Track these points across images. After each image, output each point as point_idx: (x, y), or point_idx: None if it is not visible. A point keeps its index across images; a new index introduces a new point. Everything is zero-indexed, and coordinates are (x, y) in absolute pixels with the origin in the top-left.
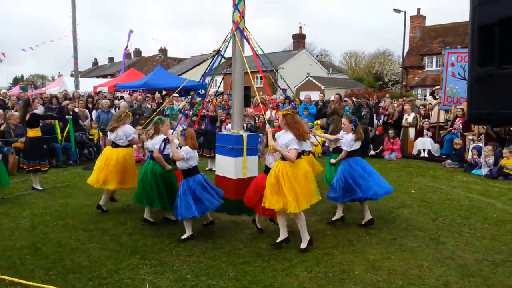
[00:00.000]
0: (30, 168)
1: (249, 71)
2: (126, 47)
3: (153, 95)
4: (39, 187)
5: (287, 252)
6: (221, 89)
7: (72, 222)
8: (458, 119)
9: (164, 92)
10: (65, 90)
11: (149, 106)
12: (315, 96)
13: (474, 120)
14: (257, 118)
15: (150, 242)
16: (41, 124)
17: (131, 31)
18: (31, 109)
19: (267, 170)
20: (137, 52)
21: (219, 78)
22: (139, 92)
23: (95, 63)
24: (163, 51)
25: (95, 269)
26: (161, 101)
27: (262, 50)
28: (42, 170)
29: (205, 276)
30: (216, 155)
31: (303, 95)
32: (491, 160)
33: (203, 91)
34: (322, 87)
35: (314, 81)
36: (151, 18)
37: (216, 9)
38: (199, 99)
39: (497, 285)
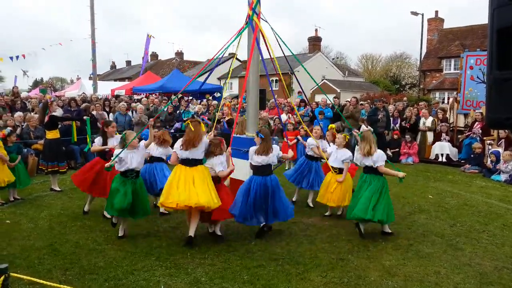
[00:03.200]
0: (48, 169)
1: (276, 71)
2: (146, 52)
3: (169, 98)
4: (57, 188)
5: (302, 256)
6: (237, 92)
7: (89, 223)
8: (477, 123)
9: (180, 95)
10: (83, 93)
11: (166, 109)
12: (331, 99)
13: (492, 124)
14: (272, 121)
15: (165, 244)
16: (59, 126)
17: (150, 37)
18: (49, 111)
19: None
20: (154, 56)
21: (234, 81)
22: (156, 95)
23: (113, 66)
24: (179, 54)
25: (111, 270)
26: (177, 103)
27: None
28: (60, 171)
29: (219, 279)
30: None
31: (318, 98)
32: (510, 166)
33: (218, 94)
34: (338, 90)
35: (330, 84)
36: (168, 21)
37: (233, 12)
38: (215, 102)
39: None
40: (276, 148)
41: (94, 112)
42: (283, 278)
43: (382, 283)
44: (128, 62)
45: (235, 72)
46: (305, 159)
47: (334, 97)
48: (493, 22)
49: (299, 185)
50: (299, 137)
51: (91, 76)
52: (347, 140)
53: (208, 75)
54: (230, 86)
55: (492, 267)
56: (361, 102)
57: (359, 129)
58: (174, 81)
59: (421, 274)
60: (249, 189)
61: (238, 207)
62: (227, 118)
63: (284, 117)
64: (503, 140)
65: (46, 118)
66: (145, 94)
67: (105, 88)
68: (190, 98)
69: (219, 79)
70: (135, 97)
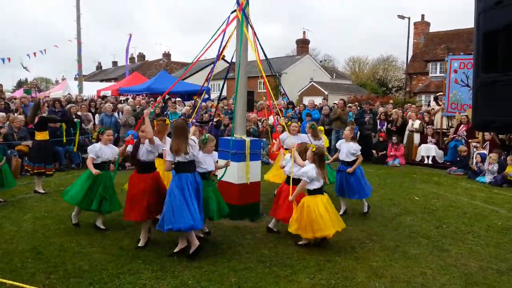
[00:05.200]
0: (34, 171)
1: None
2: (127, 50)
3: (156, 99)
4: (41, 190)
5: (289, 258)
6: (225, 93)
7: (73, 226)
8: (462, 125)
9: (167, 97)
10: (69, 93)
11: (153, 110)
12: (318, 101)
13: (478, 126)
14: (260, 123)
15: (152, 247)
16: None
17: (131, 35)
18: (41, 112)
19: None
20: (141, 56)
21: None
22: (142, 96)
23: (99, 66)
24: (166, 55)
25: (96, 274)
26: (163, 105)
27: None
28: (47, 173)
29: (206, 282)
30: (219, 159)
31: (306, 100)
32: (495, 167)
33: (206, 96)
34: (326, 93)
35: (318, 86)
36: (156, 22)
37: (221, 13)
38: (202, 103)
39: None
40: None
41: (79, 113)
42: (270, 280)
43: (369, 284)
44: (115, 63)
45: (223, 73)
46: None
47: (323, 99)
48: (479, 26)
49: None
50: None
51: (77, 76)
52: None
53: (212, 76)
54: (218, 87)
55: (477, 267)
56: (348, 105)
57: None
58: (161, 82)
59: (408, 275)
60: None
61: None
62: (215, 120)
63: (272, 119)
64: (488, 142)
65: (36, 119)
66: (131, 95)
67: (91, 89)
68: (178, 99)
69: (207, 80)
70: (121, 98)
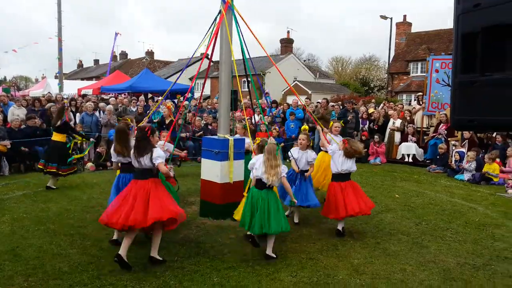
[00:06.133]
0: (47, 169)
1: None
2: (113, 50)
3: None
4: (52, 186)
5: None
6: (208, 92)
7: (53, 227)
8: (442, 124)
9: (149, 95)
10: (49, 92)
11: (135, 110)
12: (302, 100)
13: (456, 126)
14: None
15: (133, 247)
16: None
17: (117, 34)
18: (66, 116)
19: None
20: (123, 55)
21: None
22: (125, 95)
23: (80, 65)
24: (150, 53)
25: (76, 275)
26: (145, 103)
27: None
28: (60, 173)
29: (188, 282)
30: (202, 159)
31: (290, 100)
32: (474, 165)
33: (189, 95)
34: (309, 92)
35: (301, 85)
36: (139, 20)
37: (207, 10)
38: (186, 102)
39: None
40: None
41: None
42: (253, 279)
43: (350, 281)
44: (96, 61)
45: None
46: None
47: (306, 98)
48: (458, 27)
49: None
50: (271, 137)
51: (57, 75)
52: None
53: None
54: (201, 86)
55: (455, 263)
56: (331, 104)
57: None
58: (144, 81)
59: (388, 272)
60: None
61: None
62: (167, 121)
63: (256, 118)
64: (467, 140)
65: (59, 123)
66: (113, 94)
67: (72, 88)
68: (160, 98)
69: (190, 79)
70: (103, 97)
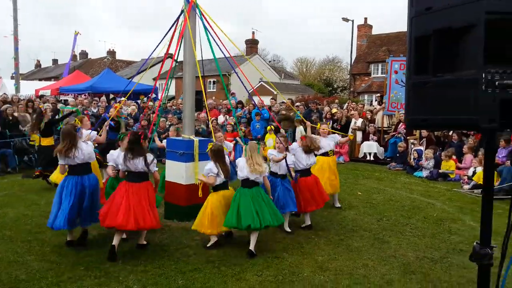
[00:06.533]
0: (47, 173)
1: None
2: (73, 50)
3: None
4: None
5: (238, 257)
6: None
7: (9, 233)
8: (401, 124)
9: (111, 96)
10: (4, 93)
11: (96, 111)
12: (267, 101)
13: (411, 125)
14: (209, 123)
15: (94, 252)
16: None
17: (77, 34)
18: (45, 118)
19: None
20: (84, 54)
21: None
22: (85, 95)
23: (38, 65)
24: (111, 53)
25: (34, 283)
26: (107, 104)
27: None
28: (47, 174)
29: (152, 286)
30: (167, 160)
31: (256, 100)
32: (431, 162)
33: (154, 95)
34: (275, 92)
35: (267, 86)
36: (100, 18)
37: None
38: (150, 103)
39: (435, 281)
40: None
41: (15, 114)
42: (219, 280)
43: (314, 278)
44: (55, 61)
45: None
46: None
47: (271, 99)
48: (411, 30)
49: None
50: (237, 138)
51: (14, 75)
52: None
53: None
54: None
55: (414, 257)
56: (296, 104)
57: (294, 131)
58: (105, 81)
59: (351, 267)
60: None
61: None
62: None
63: (221, 118)
64: (425, 139)
65: (42, 126)
66: (73, 94)
67: (29, 88)
68: (123, 99)
69: (154, 79)
70: (62, 97)
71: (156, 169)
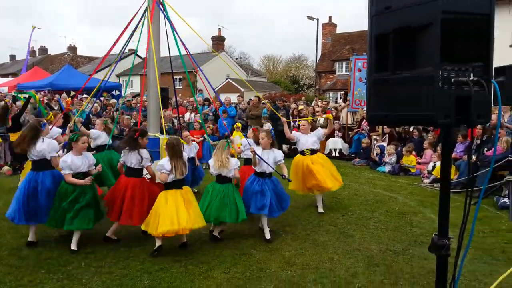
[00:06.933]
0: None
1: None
2: (29, 44)
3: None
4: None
5: (205, 255)
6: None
7: None
8: (364, 120)
9: (72, 93)
10: None
11: (56, 108)
12: (234, 98)
13: (371, 121)
14: (175, 121)
15: (56, 254)
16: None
17: (34, 28)
18: (11, 113)
19: None
20: (43, 50)
21: (135, 79)
22: (44, 92)
23: None
24: (72, 48)
25: None
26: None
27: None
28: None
29: (117, 287)
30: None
31: (223, 98)
32: (394, 158)
33: (117, 92)
34: (242, 90)
35: (234, 83)
36: (61, 13)
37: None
38: (113, 100)
39: (398, 273)
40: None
41: None
42: (186, 279)
43: (281, 273)
44: (13, 57)
45: (136, 69)
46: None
47: (238, 96)
48: (371, 29)
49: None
50: (205, 135)
51: None
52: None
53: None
54: (131, 84)
55: (378, 250)
56: (263, 101)
57: (261, 127)
58: (66, 77)
59: (317, 262)
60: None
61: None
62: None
63: (188, 115)
64: (387, 135)
65: (10, 123)
66: (32, 91)
67: None
68: (85, 96)
69: (118, 76)
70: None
71: (148, 163)
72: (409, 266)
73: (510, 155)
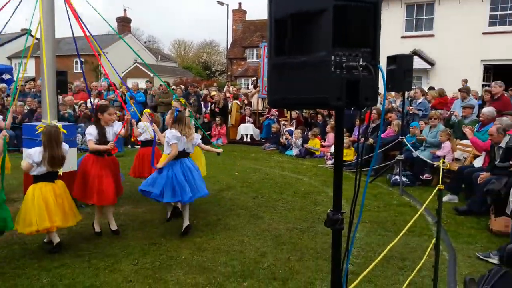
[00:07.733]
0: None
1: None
2: None
3: None
4: None
5: (111, 248)
6: (33, 73)
7: None
8: None
9: None
10: None
11: None
12: (142, 84)
13: (272, 104)
14: (77, 107)
15: None
16: None
17: None
18: None
19: None
20: None
21: (30, 61)
22: None
23: None
24: None
25: None
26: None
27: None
28: None
29: None
30: (24, 149)
31: (130, 83)
32: (300, 141)
33: (8, 76)
34: (151, 75)
35: (142, 68)
36: None
37: None
38: (3, 85)
39: (303, 249)
40: None
41: None
42: (90, 274)
43: (192, 259)
44: None
45: (30, 51)
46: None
47: (147, 81)
48: (271, 12)
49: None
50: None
51: None
52: None
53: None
54: (24, 66)
55: (285, 229)
56: (173, 87)
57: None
58: None
59: (228, 245)
60: None
61: None
62: None
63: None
64: (295, 120)
65: None
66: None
67: None
68: None
69: (9, 58)
70: None
71: (89, 138)
72: (313, 242)
73: (400, 137)
